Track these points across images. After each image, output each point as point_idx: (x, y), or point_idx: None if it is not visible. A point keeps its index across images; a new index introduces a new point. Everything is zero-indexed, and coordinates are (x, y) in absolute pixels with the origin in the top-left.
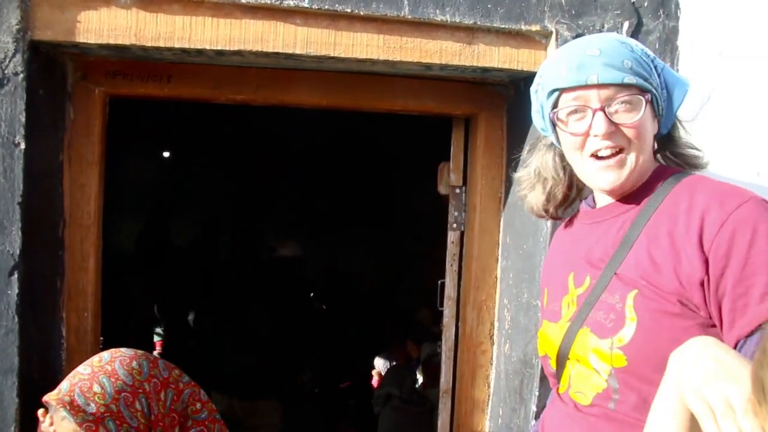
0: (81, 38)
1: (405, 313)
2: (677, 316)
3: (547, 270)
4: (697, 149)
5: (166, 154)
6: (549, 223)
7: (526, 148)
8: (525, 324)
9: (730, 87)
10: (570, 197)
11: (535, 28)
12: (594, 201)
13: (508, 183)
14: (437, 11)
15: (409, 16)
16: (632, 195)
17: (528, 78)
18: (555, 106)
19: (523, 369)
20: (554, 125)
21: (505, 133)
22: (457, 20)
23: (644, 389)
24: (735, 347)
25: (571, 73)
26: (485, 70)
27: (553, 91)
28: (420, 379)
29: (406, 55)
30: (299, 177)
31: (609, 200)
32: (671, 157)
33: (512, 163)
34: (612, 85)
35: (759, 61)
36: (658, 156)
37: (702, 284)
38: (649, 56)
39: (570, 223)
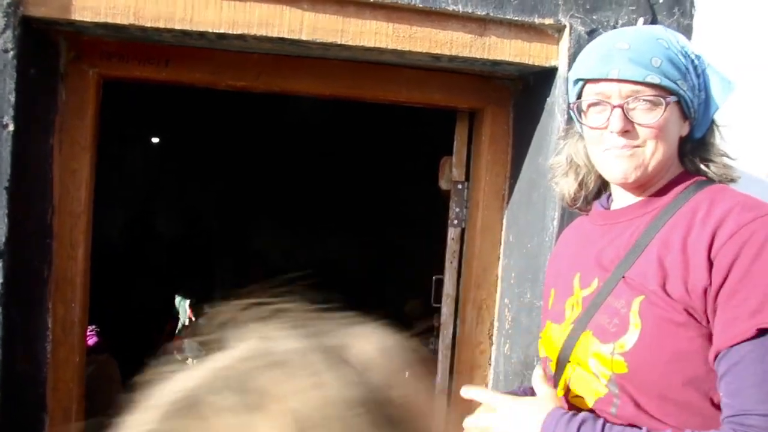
0: (76, 16)
1: (394, 306)
2: (682, 325)
3: (553, 270)
4: (730, 158)
5: (155, 140)
6: (556, 223)
7: (558, 134)
8: (527, 325)
9: (742, 85)
10: (602, 189)
11: (548, 21)
12: (608, 202)
13: (513, 180)
14: (449, 0)
15: (420, 5)
16: (650, 198)
17: (538, 73)
18: (579, 96)
19: (524, 371)
20: (577, 115)
21: (511, 129)
22: (470, 11)
23: (642, 399)
24: (714, 359)
25: (595, 65)
26: (495, 63)
27: (578, 80)
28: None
29: (415, 45)
30: (291, 167)
31: (625, 202)
32: (700, 165)
33: (517, 159)
34: (634, 81)
35: None
36: (687, 161)
37: (705, 292)
38: (688, 55)
39: (579, 223)
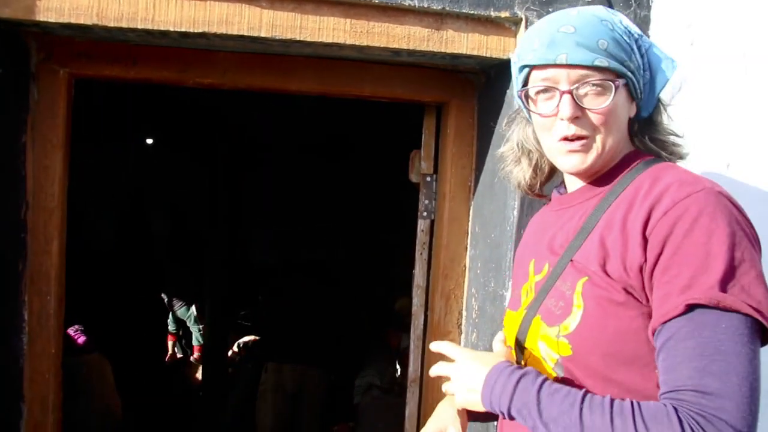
0: (41, 17)
1: (383, 303)
2: (622, 305)
3: (518, 259)
4: (678, 136)
5: (149, 141)
6: (516, 212)
7: (504, 121)
8: (491, 313)
9: (701, 78)
10: (555, 170)
11: (504, 14)
12: (564, 187)
13: (478, 171)
14: None
15: (377, 0)
16: (600, 180)
17: (498, 65)
18: (525, 83)
19: None
20: (525, 102)
21: (476, 122)
22: (426, 5)
23: (587, 382)
24: (653, 336)
25: (541, 50)
26: (454, 56)
27: (524, 67)
28: (399, 369)
29: (373, 40)
30: (276, 167)
31: (575, 186)
32: (650, 143)
33: (482, 151)
34: (583, 66)
35: (730, 52)
36: (636, 140)
37: (641, 270)
38: (632, 35)
39: (543, 211)
